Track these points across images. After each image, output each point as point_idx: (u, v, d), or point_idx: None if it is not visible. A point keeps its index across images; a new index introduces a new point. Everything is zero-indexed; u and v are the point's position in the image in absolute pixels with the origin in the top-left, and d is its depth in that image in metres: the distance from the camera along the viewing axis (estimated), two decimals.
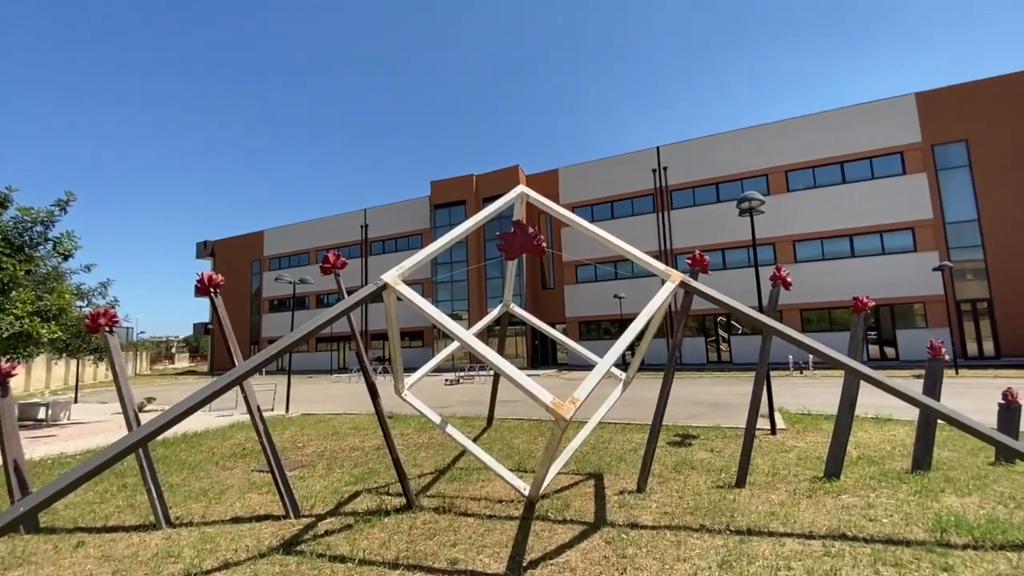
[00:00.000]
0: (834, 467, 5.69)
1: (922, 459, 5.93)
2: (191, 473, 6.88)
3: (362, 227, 39.91)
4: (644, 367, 27.50)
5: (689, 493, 5.24)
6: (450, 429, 5.54)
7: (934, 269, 18.51)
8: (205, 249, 48.51)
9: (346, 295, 4.73)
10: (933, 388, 5.98)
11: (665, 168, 28.97)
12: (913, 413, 9.00)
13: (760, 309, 5.87)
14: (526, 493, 4.95)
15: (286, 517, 4.84)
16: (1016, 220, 21.27)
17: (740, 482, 5.48)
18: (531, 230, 5.03)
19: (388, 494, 5.59)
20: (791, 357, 20.58)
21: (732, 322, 27.02)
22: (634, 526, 4.36)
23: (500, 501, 5.18)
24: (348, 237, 40.49)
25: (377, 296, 4.37)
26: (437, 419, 5.64)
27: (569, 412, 3.49)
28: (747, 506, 4.77)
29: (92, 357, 14.24)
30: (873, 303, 6.01)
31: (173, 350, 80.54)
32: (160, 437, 9.18)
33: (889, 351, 23.15)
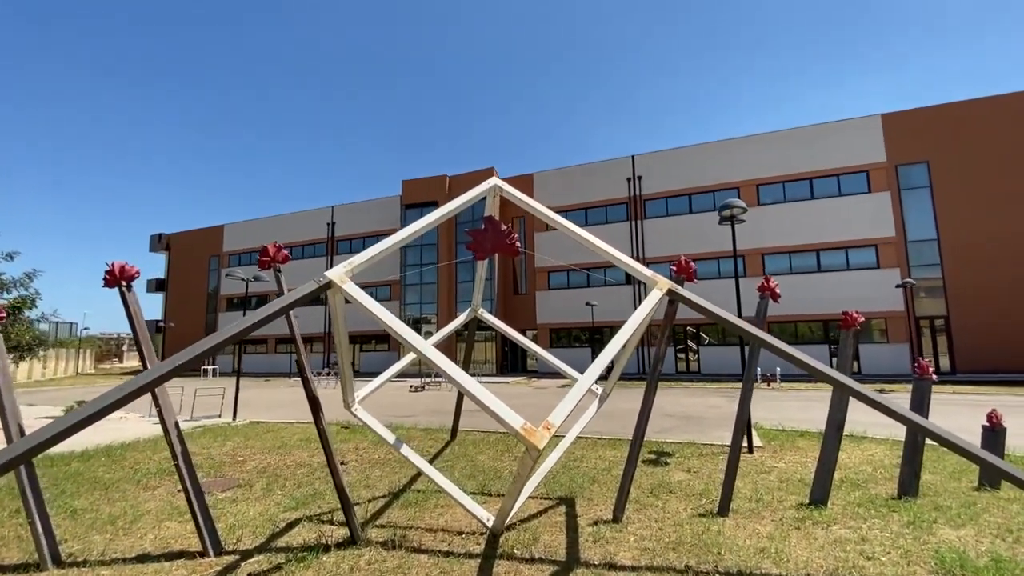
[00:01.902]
0: (820, 493, 5.31)
1: (908, 484, 5.62)
2: (104, 494, 5.98)
3: (328, 225, 38.54)
4: None
5: (669, 523, 4.74)
6: (405, 450, 4.89)
7: (897, 286, 18.89)
8: (160, 242, 45.99)
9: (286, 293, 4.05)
10: (920, 408, 5.69)
11: (640, 177, 28.97)
12: (888, 431, 8.86)
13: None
14: (489, 524, 4.35)
15: (204, 554, 4.08)
16: (972, 241, 22.01)
17: (723, 510, 5.02)
18: (504, 228, 4.48)
19: (332, 523, 4.88)
20: (759, 369, 20.64)
21: (700, 332, 27.11)
22: (612, 566, 3.81)
23: (460, 533, 4.55)
24: (313, 235, 39.03)
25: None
26: (391, 438, 4.98)
27: (543, 440, 2.93)
28: (734, 540, 4.30)
29: (12, 356, 12.84)
30: (863, 318, 5.70)
31: (124, 348, 76.22)
32: (78, 449, 8.19)
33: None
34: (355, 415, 5.10)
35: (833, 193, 24.78)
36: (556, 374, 29.69)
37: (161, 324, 42.85)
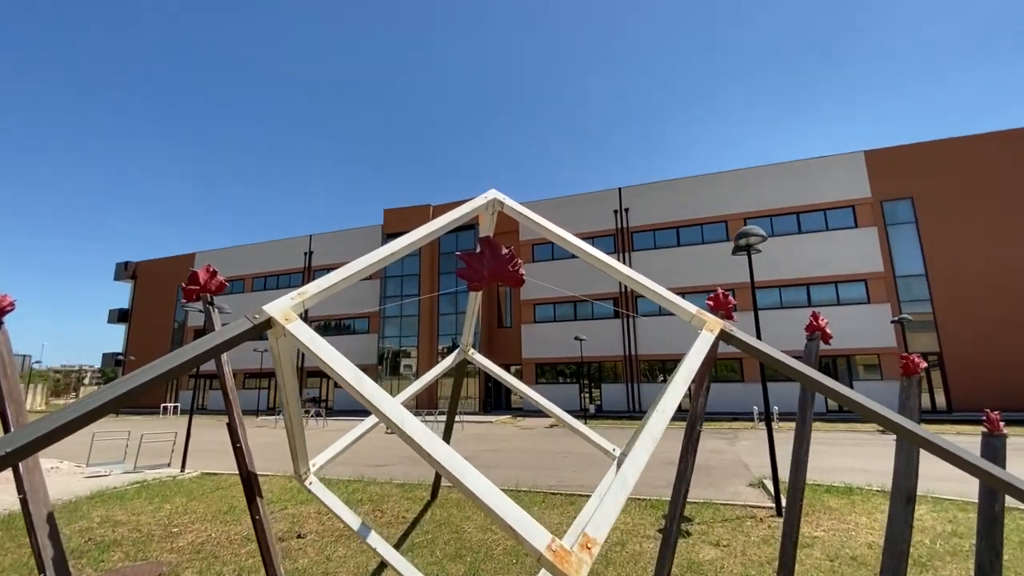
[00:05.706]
0: None
1: (989, 568, 4.64)
2: None
3: (306, 254, 37.21)
4: (604, 414, 26.13)
5: None
6: (373, 538, 3.74)
7: (892, 321, 18.47)
8: (126, 271, 43.84)
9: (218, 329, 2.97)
10: None
11: (627, 209, 28.64)
12: (923, 485, 7.90)
13: None
14: None
15: None
16: (960, 276, 21.94)
17: None
18: (505, 251, 3.51)
19: None
20: (756, 408, 19.77)
21: None
22: None
23: None
24: (289, 264, 37.58)
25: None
26: (355, 523, 3.84)
27: (582, 569, 1.87)
28: None
29: None
30: (926, 364, 4.84)
31: (86, 381, 72.11)
32: None
33: None
34: (309, 490, 3.94)
35: (820, 228, 24.71)
36: (543, 412, 28.30)
37: (121, 357, 40.41)
